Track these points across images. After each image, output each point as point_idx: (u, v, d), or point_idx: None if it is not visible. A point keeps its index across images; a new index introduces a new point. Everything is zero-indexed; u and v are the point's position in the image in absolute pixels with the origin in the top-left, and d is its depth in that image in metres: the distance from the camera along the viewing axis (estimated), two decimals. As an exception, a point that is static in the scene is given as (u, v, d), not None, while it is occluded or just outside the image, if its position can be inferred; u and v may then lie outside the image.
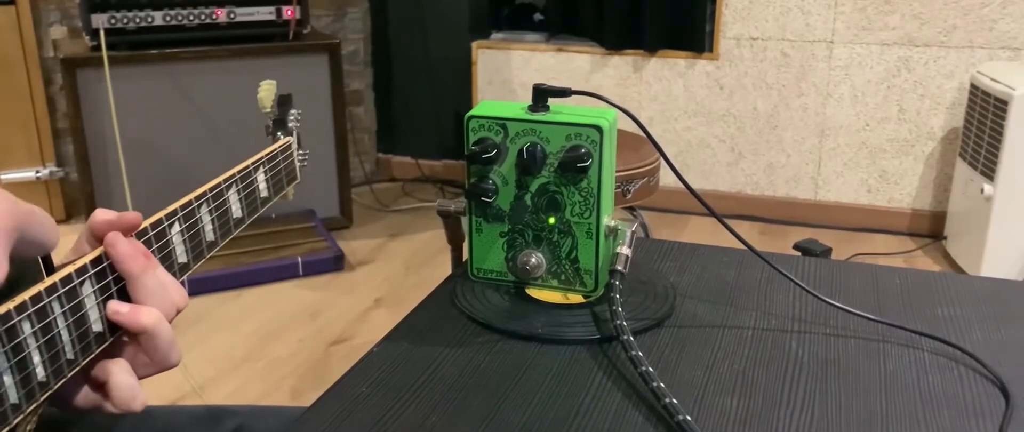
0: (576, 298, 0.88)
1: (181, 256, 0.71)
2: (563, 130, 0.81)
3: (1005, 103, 2.59)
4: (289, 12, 3.00)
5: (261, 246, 2.95)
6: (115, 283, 0.61)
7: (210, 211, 0.76)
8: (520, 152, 0.82)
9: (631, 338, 0.76)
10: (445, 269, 2.77)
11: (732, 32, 3.32)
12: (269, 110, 1.02)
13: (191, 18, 2.88)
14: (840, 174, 3.34)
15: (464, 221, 0.89)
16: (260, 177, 0.86)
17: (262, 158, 0.89)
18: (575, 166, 0.81)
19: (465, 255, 0.92)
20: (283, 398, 2.19)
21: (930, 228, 3.26)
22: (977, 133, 2.77)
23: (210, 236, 0.76)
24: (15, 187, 3.14)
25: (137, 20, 2.80)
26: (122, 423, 0.93)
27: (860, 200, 3.34)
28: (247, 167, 0.84)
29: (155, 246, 0.66)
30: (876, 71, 3.18)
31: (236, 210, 0.81)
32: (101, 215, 0.63)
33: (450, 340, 0.83)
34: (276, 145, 0.94)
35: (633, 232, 0.84)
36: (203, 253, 0.75)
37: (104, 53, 2.70)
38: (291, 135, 1.04)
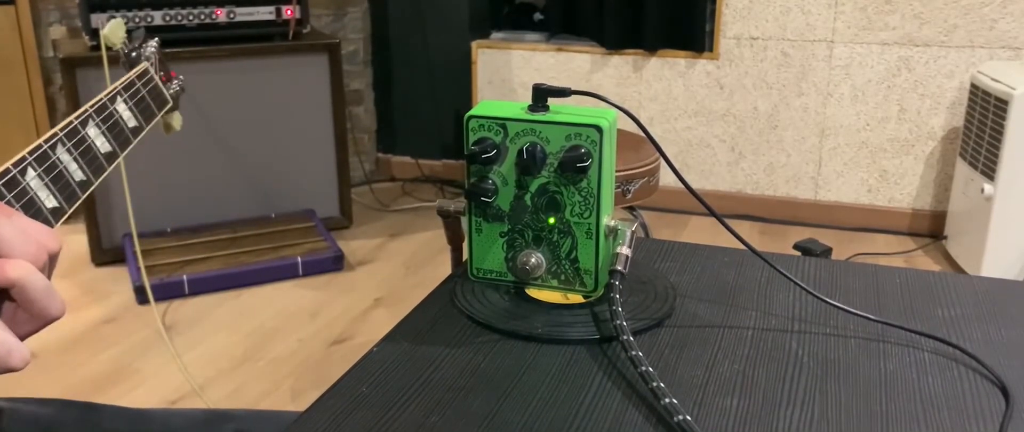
0: (576, 298, 0.88)
1: (48, 200, 0.68)
2: (563, 130, 0.81)
3: (1005, 103, 2.59)
4: (289, 12, 3.00)
5: (261, 246, 2.95)
6: None
7: (69, 150, 0.73)
8: (520, 152, 0.82)
9: (631, 338, 0.76)
10: (445, 269, 2.77)
11: (732, 32, 3.32)
12: (119, 46, 1.00)
13: (191, 18, 2.88)
14: (840, 174, 3.34)
15: (464, 221, 0.89)
16: (120, 107, 0.84)
17: (117, 88, 0.86)
18: (575, 166, 0.81)
19: (465, 255, 0.91)
20: (283, 398, 2.19)
21: (930, 228, 3.26)
22: (977, 133, 2.77)
23: (79, 175, 0.73)
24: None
25: (137, 20, 2.80)
26: (118, 426, 0.93)
27: (860, 200, 3.34)
28: (101, 99, 0.81)
29: (8, 196, 0.63)
30: (876, 71, 3.18)
31: (103, 144, 0.79)
32: None
33: (450, 340, 0.83)
34: (130, 73, 0.91)
35: (633, 232, 0.84)
36: (76, 193, 0.72)
37: (104, 53, 2.69)
38: (149, 62, 1.02)
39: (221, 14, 2.92)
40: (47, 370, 2.29)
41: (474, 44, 3.66)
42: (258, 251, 2.91)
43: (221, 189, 3.07)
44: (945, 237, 3.11)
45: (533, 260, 0.85)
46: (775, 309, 0.90)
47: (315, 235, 3.04)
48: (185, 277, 2.71)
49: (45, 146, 0.70)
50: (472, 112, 0.84)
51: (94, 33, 2.74)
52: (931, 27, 3.07)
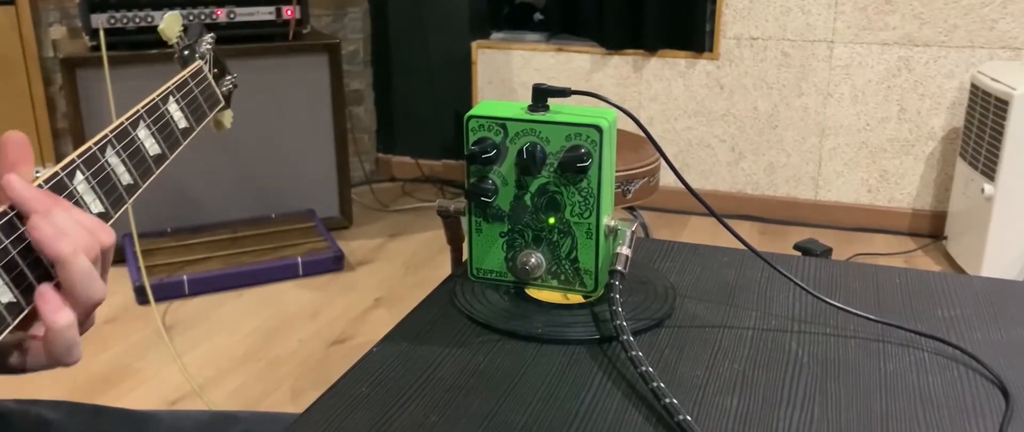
0: (576, 298, 0.88)
1: (93, 205, 0.67)
2: (563, 130, 0.81)
3: (1005, 103, 2.59)
4: (289, 12, 3.00)
5: (261, 246, 2.95)
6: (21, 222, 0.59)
7: (118, 153, 0.71)
8: (520, 152, 0.82)
9: (631, 338, 0.76)
10: (445, 269, 2.77)
11: (732, 32, 3.32)
12: (176, 41, 0.97)
13: (191, 18, 2.88)
14: (840, 174, 3.34)
15: (464, 221, 0.89)
16: (172, 108, 0.81)
17: (169, 88, 0.83)
18: (575, 166, 0.81)
19: (465, 255, 0.91)
20: (283, 398, 2.19)
21: (930, 228, 3.25)
22: (977, 133, 2.77)
23: (126, 179, 0.72)
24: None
25: (137, 20, 2.80)
26: (126, 429, 0.93)
27: (860, 200, 3.34)
28: (153, 100, 0.79)
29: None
30: (876, 71, 3.18)
31: (152, 146, 0.77)
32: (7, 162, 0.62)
33: (450, 340, 0.83)
34: (184, 72, 0.88)
35: (633, 232, 0.84)
36: (123, 198, 0.71)
37: (104, 53, 2.70)
38: (203, 60, 0.99)
39: (221, 14, 2.92)
40: (48, 371, 2.29)
41: (474, 44, 3.66)
42: (258, 251, 2.91)
43: (221, 189, 3.07)
44: (945, 237, 3.11)
45: (533, 260, 0.85)
46: (775, 309, 0.90)
47: (315, 235, 3.04)
48: (185, 277, 2.71)
49: (94, 149, 0.68)
50: (472, 112, 0.84)
51: (94, 33, 2.74)
52: (931, 27, 3.07)
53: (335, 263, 2.91)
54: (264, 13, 2.98)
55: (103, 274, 0.63)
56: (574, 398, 0.73)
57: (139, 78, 2.87)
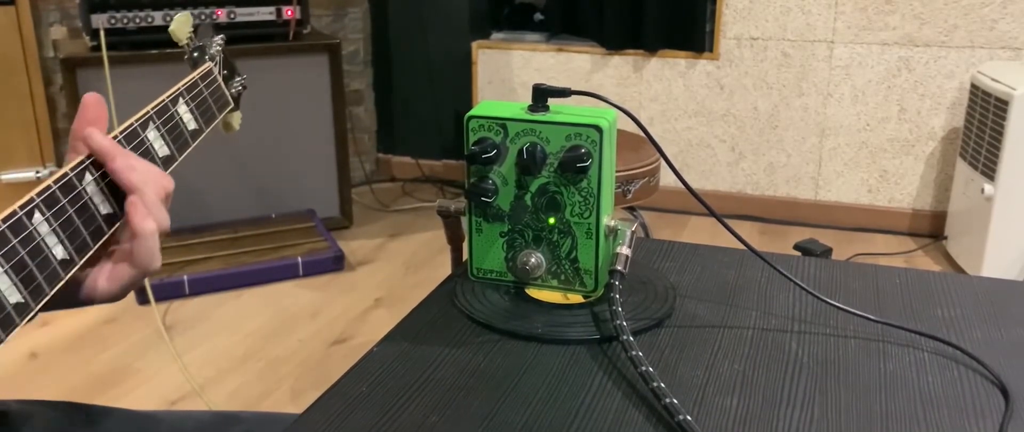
0: (576, 298, 0.88)
1: (102, 206, 0.69)
2: (563, 130, 0.81)
3: (1005, 103, 2.59)
4: (289, 12, 3.00)
5: (261, 246, 2.95)
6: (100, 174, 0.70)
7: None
8: (520, 152, 0.82)
9: (631, 338, 0.76)
10: (445, 269, 2.77)
11: (732, 32, 3.32)
12: (186, 42, 0.97)
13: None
14: (840, 174, 3.34)
15: (464, 221, 0.89)
16: (182, 109, 0.82)
17: (179, 89, 0.84)
18: (575, 166, 0.81)
19: (465, 255, 0.92)
20: (283, 398, 2.19)
21: (930, 228, 3.25)
22: (977, 133, 2.77)
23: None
24: (15, 187, 3.14)
25: (137, 20, 2.80)
26: (127, 429, 0.93)
27: (860, 200, 3.34)
28: (162, 101, 0.80)
29: (64, 200, 0.65)
30: (876, 71, 3.18)
31: (161, 148, 0.78)
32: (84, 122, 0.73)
33: (450, 340, 0.83)
34: (194, 73, 0.88)
35: (633, 232, 0.84)
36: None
37: (104, 53, 2.70)
38: (213, 61, 0.98)
39: (221, 14, 2.92)
40: (48, 370, 2.29)
41: (474, 44, 3.66)
42: (258, 251, 2.91)
43: (221, 189, 3.07)
44: (945, 237, 3.11)
45: (533, 260, 0.85)
46: (775, 309, 0.90)
47: (315, 235, 3.04)
48: (185, 277, 2.71)
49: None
50: (472, 112, 0.84)
51: (94, 33, 2.74)
52: (931, 27, 3.07)
53: (335, 263, 2.91)
54: (264, 13, 2.98)
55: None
56: (574, 398, 0.73)
57: (139, 78, 2.87)
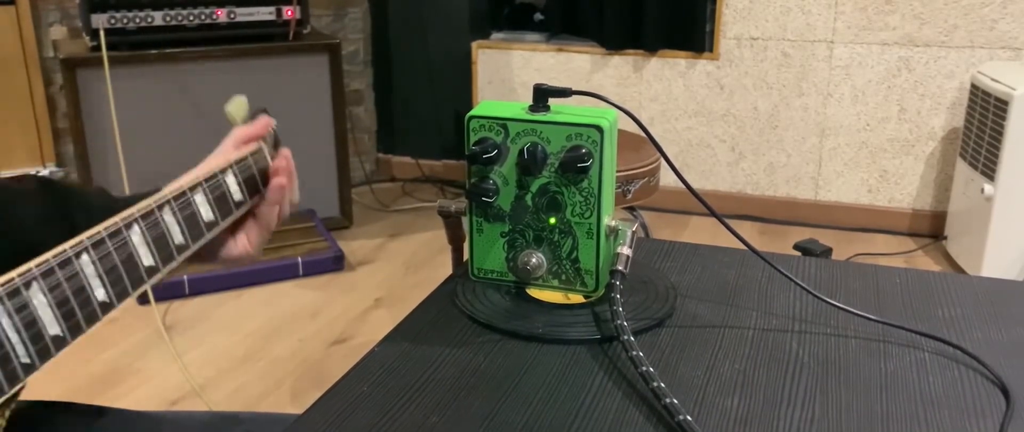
0: (577, 298, 0.88)
1: (145, 258, 0.73)
2: (564, 130, 0.81)
3: (1005, 103, 2.59)
4: (289, 12, 3.00)
5: (261, 246, 2.94)
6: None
7: (174, 213, 0.78)
8: (521, 152, 0.82)
9: (631, 338, 0.76)
10: (445, 269, 2.77)
11: (732, 32, 3.32)
12: (240, 123, 1.01)
13: (191, 18, 2.88)
14: (840, 174, 3.34)
15: (465, 221, 0.89)
16: (230, 179, 0.87)
17: (231, 162, 0.88)
18: (576, 166, 0.81)
19: (465, 255, 0.92)
20: (283, 398, 2.19)
21: (930, 228, 3.25)
22: (977, 133, 2.77)
23: (178, 239, 0.78)
24: (15, 187, 3.13)
25: (137, 20, 2.80)
26: (127, 429, 0.93)
27: (860, 200, 3.34)
28: (213, 170, 0.85)
29: (111, 247, 0.69)
30: (876, 71, 3.18)
31: (206, 212, 0.83)
32: (241, 132, 0.93)
33: (451, 340, 0.83)
34: (245, 150, 0.93)
35: (633, 232, 0.84)
36: (173, 255, 0.77)
37: (104, 53, 2.70)
38: (265, 142, 1.03)
39: (221, 14, 2.92)
40: (48, 370, 2.28)
41: (474, 44, 3.66)
42: (258, 251, 2.90)
43: (221, 189, 3.07)
44: (945, 237, 3.11)
45: (534, 260, 0.85)
46: (775, 309, 0.90)
47: (315, 235, 3.04)
48: (185, 277, 2.71)
49: (153, 206, 0.75)
50: (473, 112, 0.84)
51: (94, 33, 2.74)
52: (931, 27, 3.07)
53: (335, 263, 2.92)
54: (264, 13, 2.98)
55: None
56: (575, 398, 0.73)
57: (139, 78, 2.88)
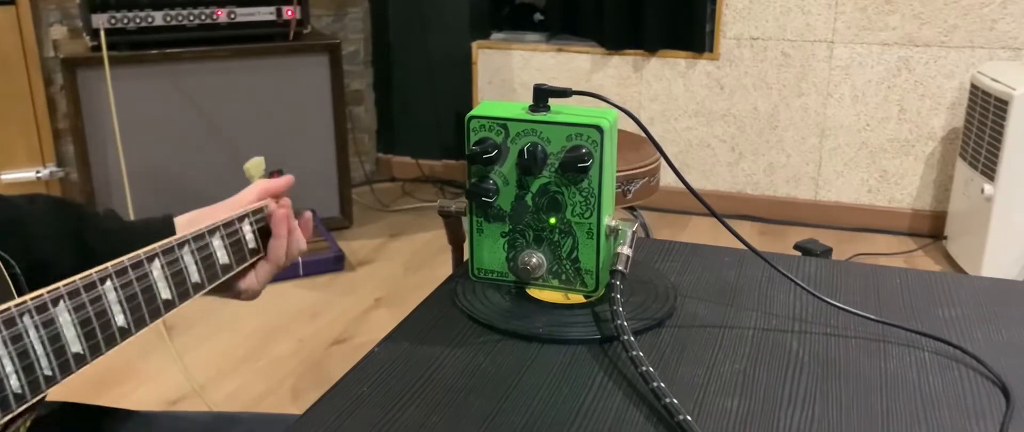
0: (577, 298, 0.88)
1: (164, 291, 0.77)
2: (564, 130, 0.81)
3: (1005, 103, 2.59)
4: (289, 12, 3.00)
5: (261, 246, 2.94)
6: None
7: (192, 253, 0.82)
8: (521, 152, 0.82)
9: (632, 338, 0.76)
10: (445, 269, 2.77)
11: (732, 32, 3.32)
12: (258, 180, 1.05)
13: (191, 18, 2.88)
14: (840, 174, 3.34)
15: (465, 221, 0.89)
16: (246, 227, 0.92)
17: (248, 211, 0.94)
18: (576, 166, 0.81)
19: (466, 255, 0.92)
20: (283, 398, 2.19)
21: (930, 228, 3.25)
22: (977, 133, 2.77)
23: (195, 278, 0.82)
24: (15, 187, 3.14)
25: (137, 20, 2.80)
26: (126, 429, 0.93)
27: (860, 200, 3.34)
28: (231, 217, 0.90)
29: (132, 275, 0.74)
30: (876, 71, 3.18)
31: (223, 256, 0.87)
32: (266, 186, 0.99)
33: (451, 340, 0.83)
34: (259, 203, 0.97)
35: (634, 232, 0.84)
36: (189, 293, 0.81)
37: (104, 53, 2.70)
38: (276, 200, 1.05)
39: (221, 14, 2.92)
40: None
41: (474, 44, 3.66)
42: (258, 251, 2.90)
43: (222, 189, 3.06)
44: (945, 237, 3.11)
45: (534, 260, 0.85)
46: (775, 309, 0.90)
47: (315, 235, 3.04)
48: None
49: (173, 244, 0.80)
50: (473, 112, 0.84)
51: (94, 33, 2.74)
52: (931, 27, 3.07)
53: (335, 263, 2.91)
54: (264, 13, 2.98)
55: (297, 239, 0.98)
56: (575, 398, 0.73)
57: (139, 78, 2.88)
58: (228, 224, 0.89)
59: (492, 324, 0.85)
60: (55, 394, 0.99)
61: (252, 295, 0.95)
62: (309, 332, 2.52)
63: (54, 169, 3.28)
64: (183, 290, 0.80)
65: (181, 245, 0.80)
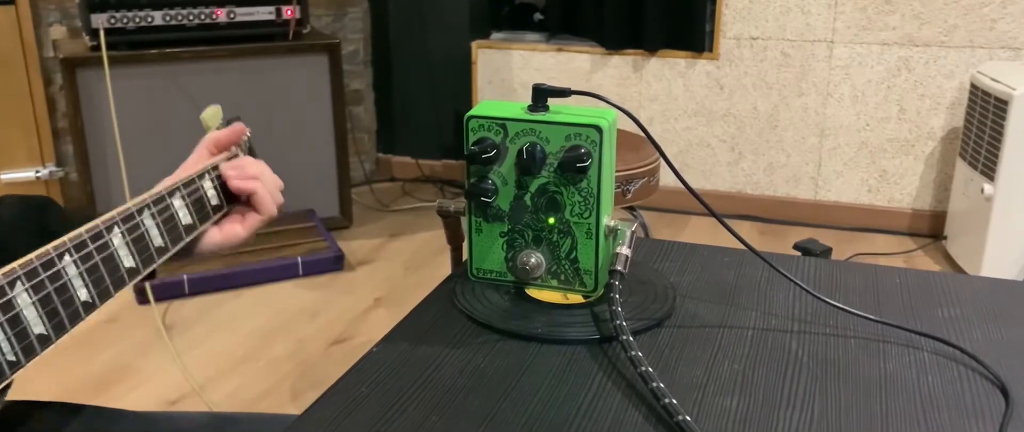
0: (576, 298, 0.88)
1: (126, 259, 0.75)
2: (563, 130, 0.81)
3: (1005, 103, 2.59)
4: (289, 12, 3.00)
5: (261, 246, 2.94)
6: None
7: (153, 216, 0.80)
8: (520, 152, 0.82)
9: (631, 338, 0.76)
10: (445, 269, 2.77)
11: (732, 32, 3.32)
12: (215, 130, 1.03)
13: (191, 18, 2.88)
14: (840, 174, 3.34)
15: (464, 221, 0.89)
16: (206, 184, 0.90)
17: (207, 168, 0.91)
18: (575, 166, 0.81)
19: (465, 255, 0.92)
20: (283, 398, 2.19)
21: (930, 228, 3.25)
22: (977, 133, 2.77)
23: (158, 242, 0.80)
24: (15, 187, 3.14)
25: (137, 20, 2.80)
26: (124, 429, 0.93)
27: (860, 200, 3.34)
28: (191, 176, 0.88)
29: (91, 246, 0.71)
30: (876, 71, 3.18)
31: (185, 216, 0.85)
32: (214, 137, 0.95)
33: (450, 340, 0.83)
34: (219, 157, 0.95)
35: (633, 232, 0.84)
36: (153, 257, 0.79)
37: (104, 53, 2.70)
38: (239, 148, 1.05)
39: (221, 14, 2.92)
40: (47, 370, 2.29)
41: (474, 44, 3.66)
42: (258, 251, 2.91)
43: (221, 189, 3.07)
44: (945, 237, 3.11)
45: (533, 260, 0.85)
46: (775, 309, 0.90)
47: (315, 235, 3.04)
48: (185, 277, 2.71)
49: (132, 209, 0.77)
50: (472, 112, 0.84)
51: (94, 33, 2.74)
52: (931, 27, 3.07)
53: (335, 263, 2.91)
54: (264, 13, 2.98)
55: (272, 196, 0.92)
56: (574, 398, 0.73)
57: (139, 78, 2.88)
58: (188, 183, 0.86)
59: (491, 324, 0.85)
60: (55, 394, 1.00)
61: (240, 243, 0.91)
62: (308, 332, 2.52)
63: (54, 169, 3.28)
64: (147, 256, 0.77)
65: (140, 210, 0.78)
